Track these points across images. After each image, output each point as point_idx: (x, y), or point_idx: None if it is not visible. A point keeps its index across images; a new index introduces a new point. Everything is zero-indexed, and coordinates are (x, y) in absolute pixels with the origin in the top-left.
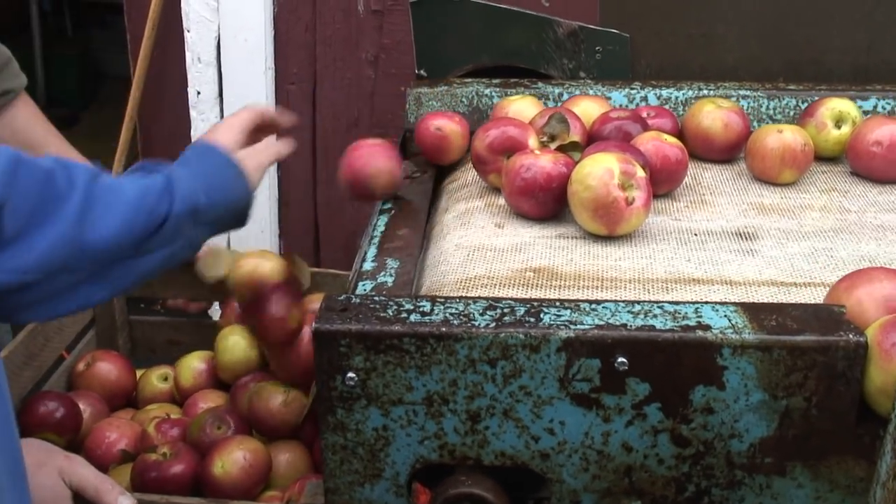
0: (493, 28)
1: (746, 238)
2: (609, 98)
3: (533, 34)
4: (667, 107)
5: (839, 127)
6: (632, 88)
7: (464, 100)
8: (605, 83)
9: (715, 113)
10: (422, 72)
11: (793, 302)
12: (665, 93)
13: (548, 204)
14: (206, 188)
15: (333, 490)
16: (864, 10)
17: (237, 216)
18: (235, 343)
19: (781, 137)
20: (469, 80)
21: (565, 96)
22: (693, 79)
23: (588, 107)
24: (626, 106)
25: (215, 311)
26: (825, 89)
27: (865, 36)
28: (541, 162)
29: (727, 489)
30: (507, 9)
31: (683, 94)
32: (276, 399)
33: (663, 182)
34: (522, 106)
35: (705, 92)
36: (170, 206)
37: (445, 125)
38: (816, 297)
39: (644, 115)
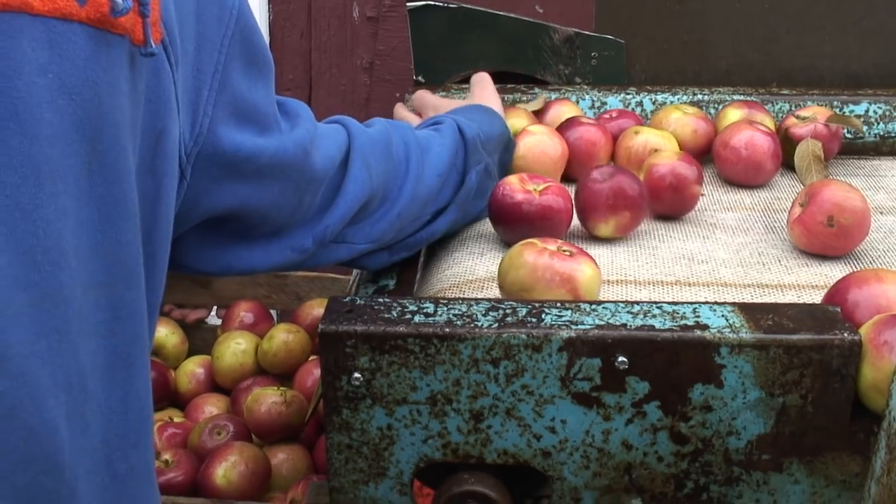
0: (489, 34)
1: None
2: (605, 103)
3: (529, 40)
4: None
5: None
6: (627, 93)
7: None
8: (601, 88)
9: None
10: (419, 78)
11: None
12: (660, 98)
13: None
14: (479, 125)
15: (338, 489)
16: (854, 17)
17: (507, 145)
18: (233, 348)
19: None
20: (466, 85)
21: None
22: (687, 84)
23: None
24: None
25: (213, 318)
26: (817, 94)
27: (856, 42)
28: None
29: (725, 485)
30: (504, 15)
31: (678, 98)
32: (276, 402)
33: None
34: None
35: (700, 97)
36: (464, 136)
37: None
38: (629, 293)
39: (607, 116)
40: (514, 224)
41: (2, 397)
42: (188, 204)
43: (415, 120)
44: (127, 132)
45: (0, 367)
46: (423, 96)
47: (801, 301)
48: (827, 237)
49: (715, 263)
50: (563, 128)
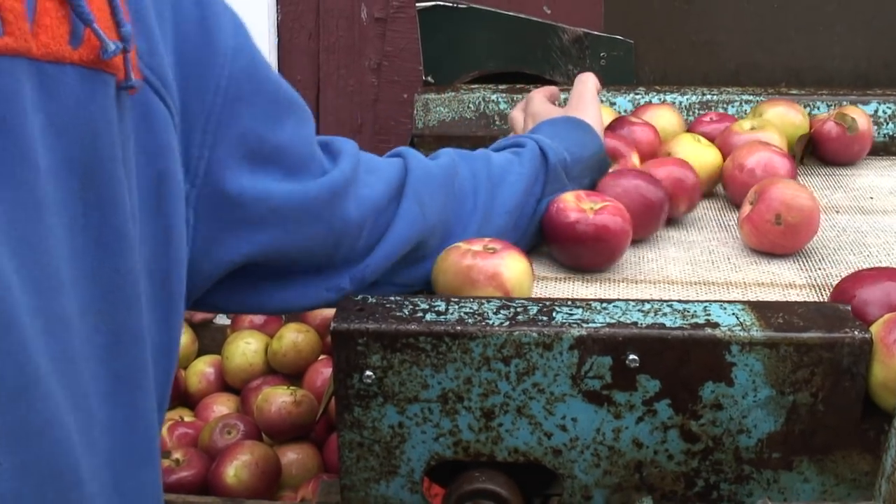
0: (499, 35)
1: None
2: (614, 104)
3: (538, 41)
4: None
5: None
6: (636, 94)
7: (471, 105)
8: (610, 88)
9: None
10: (429, 78)
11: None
12: (669, 98)
13: None
14: (567, 147)
15: (349, 487)
16: (864, 18)
17: (600, 166)
18: (243, 348)
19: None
20: (476, 86)
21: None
22: (696, 84)
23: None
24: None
25: (221, 318)
26: (826, 94)
27: (865, 42)
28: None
29: (735, 484)
30: (513, 16)
31: (687, 99)
32: (286, 401)
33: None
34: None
35: (708, 97)
36: (546, 162)
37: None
38: (574, 290)
39: (707, 119)
40: (567, 244)
41: (37, 415)
42: (202, 251)
43: (520, 124)
44: (122, 167)
45: (34, 389)
46: (531, 100)
47: (742, 297)
48: (775, 235)
49: (664, 261)
50: (613, 127)
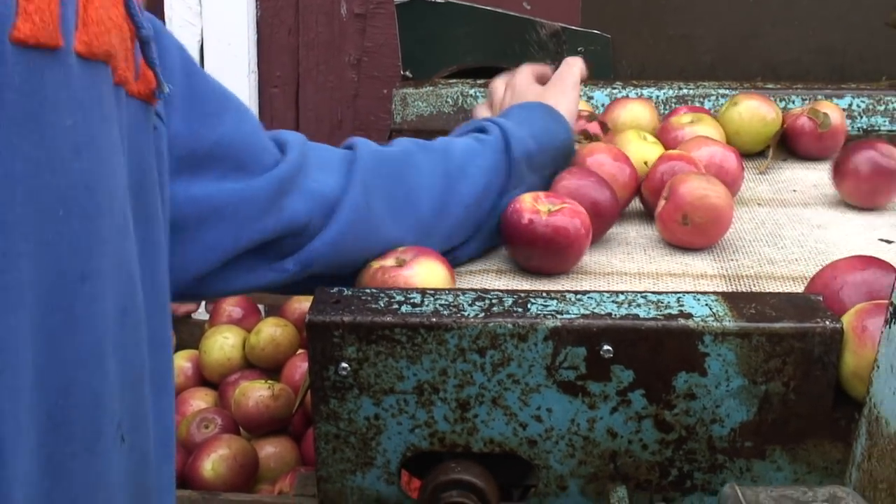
0: (476, 29)
1: None
2: (592, 97)
3: (516, 35)
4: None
5: None
6: (613, 88)
7: (449, 100)
8: (588, 83)
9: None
10: (407, 73)
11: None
12: (646, 92)
13: None
14: (533, 135)
15: (325, 478)
16: (839, 12)
17: (565, 156)
18: (221, 343)
19: None
20: (454, 80)
21: None
22: (673, 79)
23: (636, 109)
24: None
25: (201, 313)
26: (802, 88)
27: (841, 36)
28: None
29: (709, 473)
30: (491, 10)
31: (664, 93)
32: (263, 395)
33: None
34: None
35: (685, 91)
36: (510, 154)
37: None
38: (487, 283)
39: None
40: (521, 246)
41: (141, 404)
42: None
43: (499, 95)
44: (157, 187)
45: (140, 382)
46: (518, 73)
47: (655, 288)
48: (683, 234)
49: None
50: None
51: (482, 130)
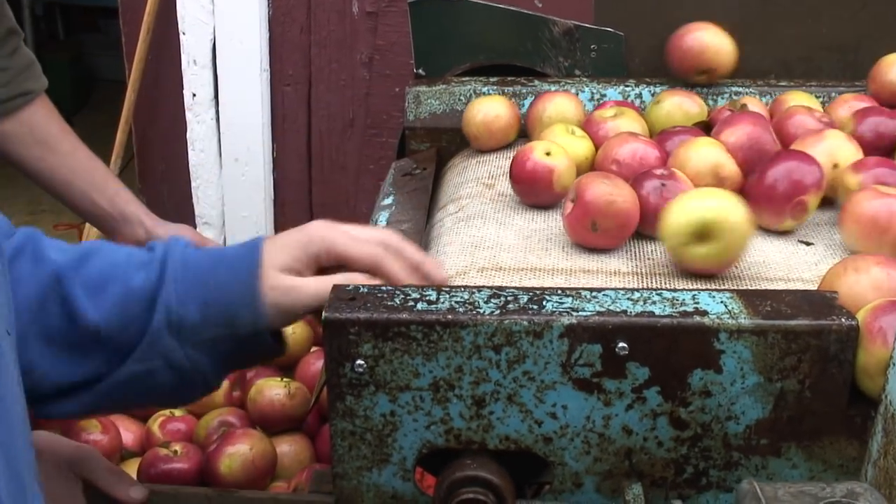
0: (489, 27)
1: None
2: (605, 95)
3: (529, 33)
4: None
5: None
6: (626, 86)
7: (462, 98)
8: (601, 81)
9: None
10: (420, 71)
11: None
12: (659, 90)
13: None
14: (203, 301)
15: (342, 475)
16: (852, 9)
17: (254, 348)
18: None
19: None
20: (467, 78)
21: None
22: None
23: (562, 103)
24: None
25: None
26: (815, 85)
27: (854, 33)
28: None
29: (724, 470)
30: (504, 8)
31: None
32: (279, 393)
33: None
34: (494, 106)
35: (697, 89)
36: (150, 314)
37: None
38: None
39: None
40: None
41: None
42: None
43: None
44: None
45: None
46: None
47: (566, 284)
48: (593, 239)
49: (498, 249)
50: None
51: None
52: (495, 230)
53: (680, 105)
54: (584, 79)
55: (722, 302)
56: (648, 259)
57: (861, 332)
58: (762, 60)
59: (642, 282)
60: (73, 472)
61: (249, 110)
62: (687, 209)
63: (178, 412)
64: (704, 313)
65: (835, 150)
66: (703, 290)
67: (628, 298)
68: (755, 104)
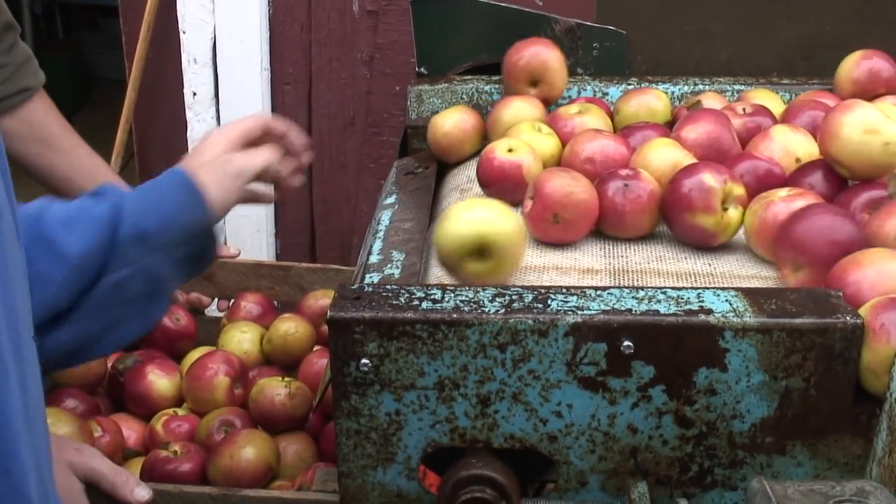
0: (492, 26)
1: None
2: (607, 93)
3: (531, 31)
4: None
5: None
6: (628, 84)
7: (464, 97)
8: (603, 79)
9: None
10: (422, 69)
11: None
12: (661, 88)
13: None
14: (158, 213)
15: (347, 474)
16: (854, 6)
17: (202, 235)
18: (239, 337)
19: None
20: (469, 77)
21: (565, 93)
22: (688, 74)
23: (519, 107)
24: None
25: (213, 311)
26: (817, 83)
27: (856, 30)
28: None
29: (729, 468)
30: (506, 6)
31: (679, 89)
32: (280, 392)
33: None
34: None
35: (700, 87)
36: (114, 233)
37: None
38: None
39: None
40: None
41: None
42: None
43: None
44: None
45: None
46: (216, 132)
47: (539, 282)
48: (555, 232)
49: None
50: None
51: (97, 197)
52: None
53: (647, 103)
54: (586, 77)
55: (727, 300)
56: (622, 256)
57: (865, 331)
58: (765, 58)
59: (615, 279)
60: (76, 473)
61: (250, 109)
62: (461, 226)
63: (181, 411)
64: (710, 312)
65: (789, 144)
66: (707, 287)
67: (633, 297)
68: (717, 101)
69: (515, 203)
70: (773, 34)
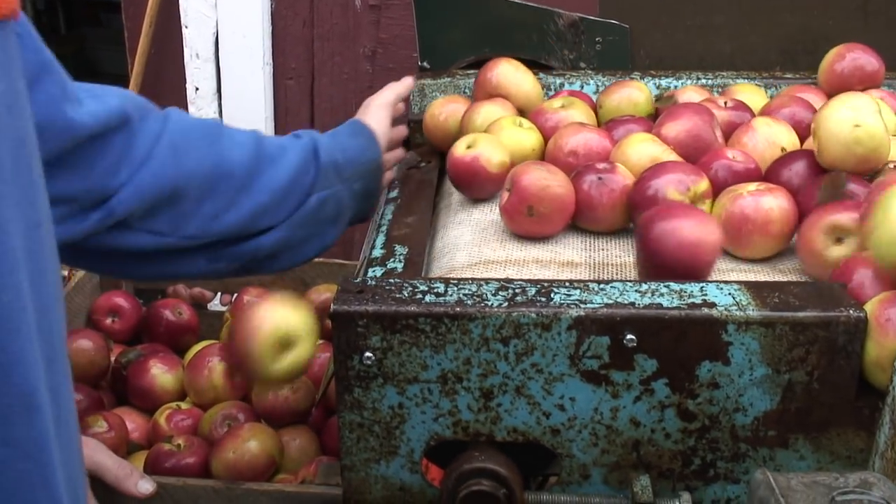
0: (494, 20)
1: None
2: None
3: (534, 26)
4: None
5: None
6: (631, 78)
7: (466, 91)
8: (606, 73)
9: None
10: (425, 64)
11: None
12: (664, 82)
13: None
14: (342, 148)
15: (349, 467)
16: (857, 1)
17: (372, 171)
18: None
19: None
20: (472, 71)
21: (566, 87)
22: (691, 68)
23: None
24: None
25: (215, 305)
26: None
27: (860, 24)
28: None
29: (732, 462)
30: (509, 1)
31: (682, 83)
32: (283, 386)
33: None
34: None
35: (703, 81)
36: (318, 159)
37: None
38: None
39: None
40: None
41: None
42: None
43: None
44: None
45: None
46: (377, 95)
47: (519, 275)
48: (530, 225)
49: (453, 246)
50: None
51: (295, 136)
52: (455, 231)
53: (629, 96)
54: (590, 71)
55: (730, 294)
56: (602, 250)
57: (871, 325)
58: (767, 52)
59: (594, 272)
60: None
61: (252, 104)
62: (269, 324)
63: (183, 405)
64: (713, 305)
65: (773, 135)
66: (711, 281)
67: (636, 290)
68: (698, 95)
69: (491, 198)
70: (775, 28)
